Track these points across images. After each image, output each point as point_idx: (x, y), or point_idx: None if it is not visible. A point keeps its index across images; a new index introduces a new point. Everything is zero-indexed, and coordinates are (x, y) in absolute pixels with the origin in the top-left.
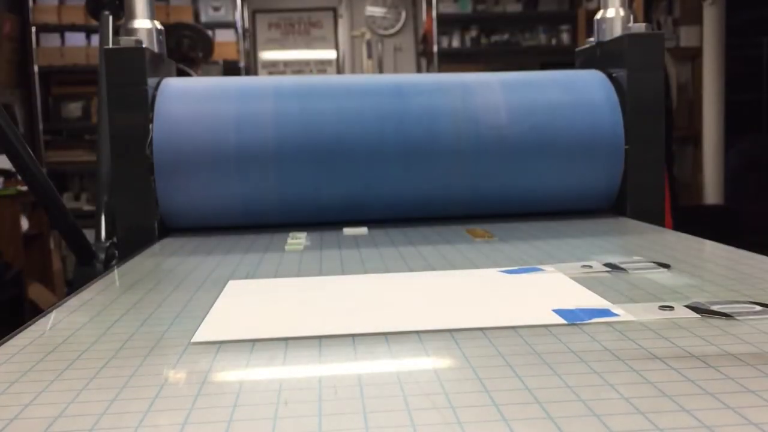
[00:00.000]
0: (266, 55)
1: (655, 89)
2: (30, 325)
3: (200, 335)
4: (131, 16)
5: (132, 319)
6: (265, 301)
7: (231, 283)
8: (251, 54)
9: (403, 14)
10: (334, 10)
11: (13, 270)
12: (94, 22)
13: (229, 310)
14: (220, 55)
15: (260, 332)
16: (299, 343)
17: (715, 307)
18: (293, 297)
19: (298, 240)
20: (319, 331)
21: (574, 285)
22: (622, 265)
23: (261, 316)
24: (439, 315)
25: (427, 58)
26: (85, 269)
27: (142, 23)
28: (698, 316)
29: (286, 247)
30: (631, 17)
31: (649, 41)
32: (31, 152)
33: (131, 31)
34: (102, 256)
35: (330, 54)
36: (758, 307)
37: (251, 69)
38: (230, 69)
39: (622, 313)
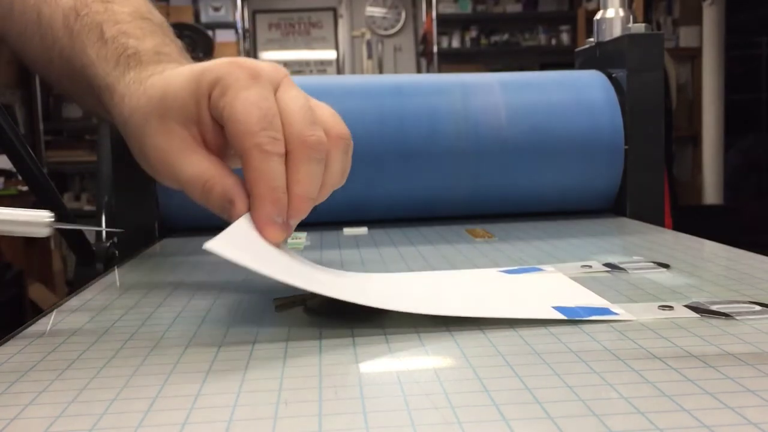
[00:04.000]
0: (266, 55)
1: (655, 89)
2: (30, 325)
3: (214, 244)
4: None
5: (132, 319)
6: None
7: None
8: (251, 54)
9: (403, 14)
10: (334, 10)
11: (14, 270)
12: None
13: (247, 232)
14: (220, 55)
15: (270, 267)
16: (299, 342)
17: (714, 307)
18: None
19: (298, 240)
20: (327, 291)
21: (573, 285)
22: (622, 265)
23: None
24: (437, 310)
25: (427, 58)
26: (85, 269)
27: None
28: (698, 315)
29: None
30: (631, 17)
31: (649, 41)
32: (31, 152)
33: None
34: (102, 256)
35: (330, 54)
36: (758, 307)
37: None
38: None
39: (622, 312)
